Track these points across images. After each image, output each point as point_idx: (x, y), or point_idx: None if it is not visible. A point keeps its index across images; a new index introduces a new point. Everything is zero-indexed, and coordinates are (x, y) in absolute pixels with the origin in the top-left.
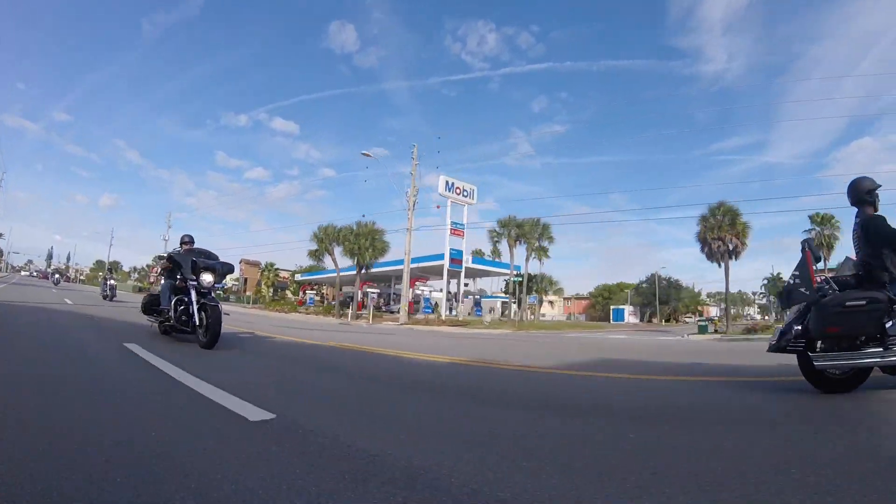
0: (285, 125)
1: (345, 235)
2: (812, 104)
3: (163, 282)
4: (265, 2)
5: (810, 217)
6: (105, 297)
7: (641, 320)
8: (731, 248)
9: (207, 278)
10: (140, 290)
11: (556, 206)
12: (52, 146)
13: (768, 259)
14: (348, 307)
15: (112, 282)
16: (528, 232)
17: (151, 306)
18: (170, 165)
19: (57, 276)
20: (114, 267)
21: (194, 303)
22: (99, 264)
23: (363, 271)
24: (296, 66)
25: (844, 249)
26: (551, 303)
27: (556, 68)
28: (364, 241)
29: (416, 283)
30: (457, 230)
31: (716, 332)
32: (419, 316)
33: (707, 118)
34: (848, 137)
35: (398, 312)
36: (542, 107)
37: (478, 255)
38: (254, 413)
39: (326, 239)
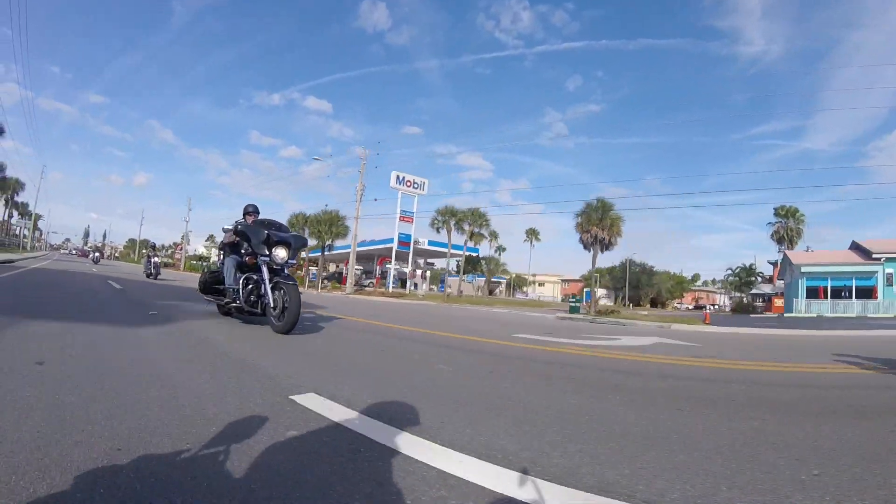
0: (318, 104)
1: (311, 222)
2: (852, 91)
3: (224, 258)
4: None
5: (775, 210)
6: (149, 276)
7: (614, 303)
8: (600, 239)
9: (281, 253)
10: (166, 265)
11: (590, 189)
12: (86, 128)
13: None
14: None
15: (156, 259)
16: (463, 220)
17: (212, 285)
18: (203, 145)
19: (97, 254)
20: (145, 244)
21: (267, 281)
22: (132, 242)
23: (326, 251)
24: (328, 45)
25: (805, 243)
26: (542, 284)
27: (592, 46)
28: (324, 227)
29: (385, 261)
30: (405, 217)
31: (588, 313)
32: (382, 289)
33: (744, 102)
34: (890, 126)
35: (368, 286)
36: (577, 85)
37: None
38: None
39: (297, 224)
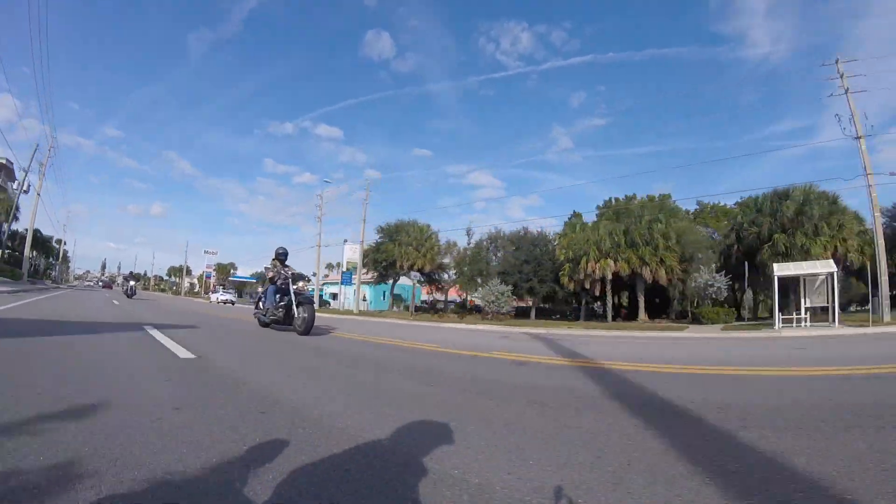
0: (330, 130)
1: (169, 270)
2: (861, 83)
3: None
4: (302, 16)
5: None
6: (264, 325)
7: None
8: None
9: None
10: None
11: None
12: (105, 160)
13: None
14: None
15: (305, 286)
16: (221, 269)
17: None
18: (221, 174)
19: (132, 283)
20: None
21: None
22: (131, 274)
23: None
24: (337, 74)
25: None
26: None
27: (598, 60)
28: (175, 273)
29: (216, 284)
30: (209, 266)
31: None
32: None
33: (754, 103)
34: None
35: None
36: (582, 101)
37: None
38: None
39: (173, 272)
